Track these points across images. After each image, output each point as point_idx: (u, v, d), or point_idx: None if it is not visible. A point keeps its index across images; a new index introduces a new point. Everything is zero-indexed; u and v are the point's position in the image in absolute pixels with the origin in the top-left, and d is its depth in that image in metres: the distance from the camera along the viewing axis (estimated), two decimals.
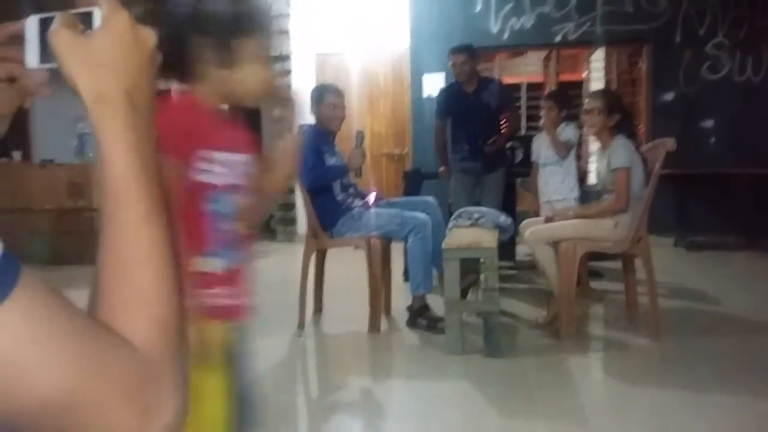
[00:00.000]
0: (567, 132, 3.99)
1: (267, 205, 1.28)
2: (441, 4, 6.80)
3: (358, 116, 6.83)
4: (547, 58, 7.11)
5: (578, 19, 6.59)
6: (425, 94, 6.82)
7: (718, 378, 2.64)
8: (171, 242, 0.50)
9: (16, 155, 6.74)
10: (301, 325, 3.42)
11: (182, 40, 1.09)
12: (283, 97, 1.36)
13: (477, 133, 4.50)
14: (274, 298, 4.51)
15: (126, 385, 0.43)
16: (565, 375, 2.76)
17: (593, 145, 6.75)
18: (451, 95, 4.70)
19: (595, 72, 7.01)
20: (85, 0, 0.51)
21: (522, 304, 3.85)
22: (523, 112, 6.77)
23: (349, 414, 2.46)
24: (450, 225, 3.57)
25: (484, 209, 3.71)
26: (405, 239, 3.42)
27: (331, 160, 3.51)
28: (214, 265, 1.18)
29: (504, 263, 4.04)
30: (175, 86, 1.20)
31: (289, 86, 6.84)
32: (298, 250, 3.66)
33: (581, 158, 6.98)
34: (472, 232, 3.31)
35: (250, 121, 1.30)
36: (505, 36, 6.72)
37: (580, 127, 4.17)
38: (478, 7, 6.74)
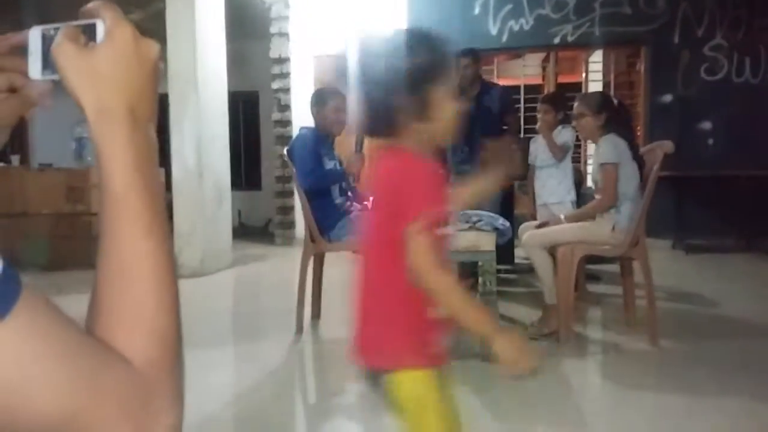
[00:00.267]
0: (563, 135, 3.99)
1: None
2: (440, 7, 6.80)
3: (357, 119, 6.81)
4: (545, 60, 7.12)
5: (576, 20, 6.60)
6: None
7: (716, 381, 2.63)
8: (170, 256, 0.50)
9: (15, 160, 6.74)
10: (299, 330, 3.41)
11: (389, 101, 1.15)
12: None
13: (476, 137, 4.50)
14: (272, 303, 4.52)
15: (123, 401, 0.43)
16: (563, 379, 2.75)
17: (592, 148, 6.75)
18: None
19: (594, 74, 7.01)
20: (89, 12, 0.51)
21: (520, 308, 3.85)
22: (521, 114, 6.76)
23: (348, 419, 2.45)
24: None
25: (482, 212, 3.70)
26: None
27: (329, 164, 3.50)
28: (439, 311, 1.22)
29: (502, 266, 4.03)
30: (383, 144, 1.25)
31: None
32: (297, 254, 3.66)
33: (580, 161, 6.98)
34: (470, 236, 3.30)
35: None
36: (504, 38, 6.73)
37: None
38: (477, 10, 6.75)
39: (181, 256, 5.29)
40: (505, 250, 4.07)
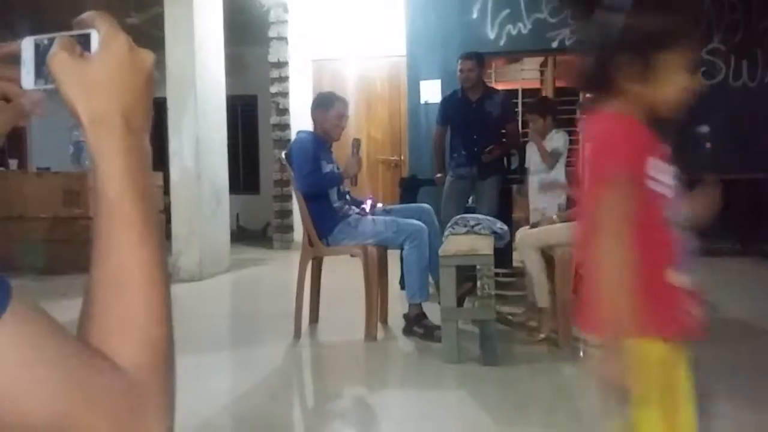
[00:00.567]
0: (555, 141, 3.94)
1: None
2: (438, 11, 6.81)
3: (354, 123, 6.83)
4: (543, 64, 7.13)
5: (574, 25, 6.61)
6: (422, 101, 6.83)
7: (713, 384, 2.63)
8: (163, 265, 0.50)
9: (13, 164, 6.74)
10: (297, 334, 3.40)
11: (607, 58, 1.13)
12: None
13: (476, 141, 4.51)
14: (270, 307, 4.51)
15: (114, 408, 0.43)
16: (561, 382, 2.75)
17: None
18: (454, 102, 4.72)
19: None
20: (83, 22, 0.51)
21: (519, 312, 3.84)
22: (520, 118, 6.77)
23: (346, 423, 2.45)
24: (446, 232, 3.57)
25: (480, 216, 3.71)
26: (401, 247, 3.42)
27: (327, 168, 3.50)
28: (681, 278, 1.17)
29: (500, 270, 4.03)
30: (594, 103, 1.22)
31: None
32: (295, 258, 3.66)
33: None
34: (469, 239, 3.31)
35: (661, 131, 1.30)
36: (502, 42, 6.73)
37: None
38: (475, 14, 6.76)
39: (179, 259, 5.28)
40: (503, 254, 4.07)
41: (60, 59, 0.49)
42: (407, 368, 3.08)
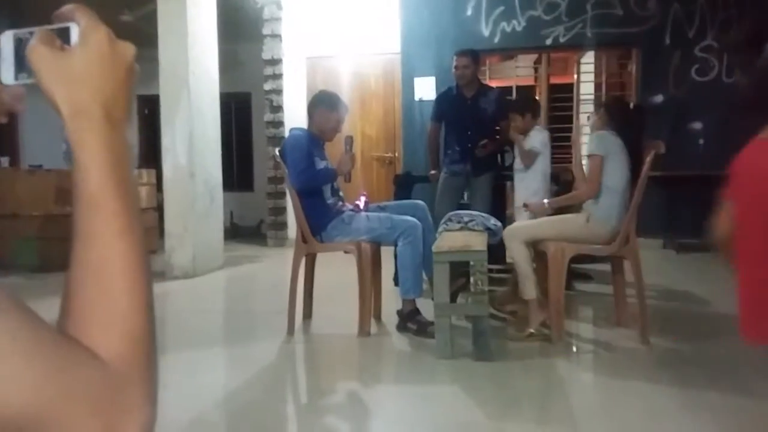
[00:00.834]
0: (532, 139, 3.90)
1: None
2: (432, 8, 6.81)
3: (349, 120, 6.81)
4: (537, 61, 7.14)
5: (568, 22, 6.62)
6: (416, 98, 6.84)
7: (707, 379, 2.64)
8: (144, 257, 0.50)
9: (4, 161, 6.71)
10: (290, 330, 3.40)
11: None
12: None
13: (470, 137, 4.52)
14: (263, 304, 4.51)
15: (92, 399, 0.43)
16: (555, 378, 2.76)
17: (585, 149, 6.77)
18: (449, 98, 4.72)
19: (585, 74, 7.04)
20: (63, 15, 0.51)
21: (506, 299, 3.85)
22: None
23: (339, 418, 2.44)
24: (440, 228, 3.57)
25: (474, 212, 3.71)
26: (395, 243, 3.42)
27: (321, 164, 3.50)
28: None
29: (494, 266, 4.03)
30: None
31: None
32: (289, 255, 3.65)
33: (572, 162, 7.00)
34: (462, 236, 3.31)
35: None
36: (496, 39, 6.74)
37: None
38: (469, 11, 6.76)
39: (173, 256, 5.27)
40: (496, 250, 4.07)
41: (39, 52, 0.49)
42: (400, 364, 3.08)
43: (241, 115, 9.01)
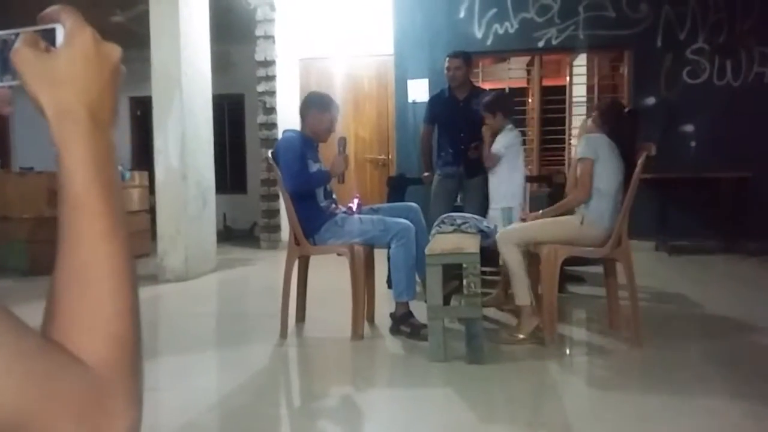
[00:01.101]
0: (498, 141, 3.88)
1: None
2: (425, 10, 6.82)
3: (342, 122, 6.81)
4: (530, 64, 7.16)
5: (561, 24, 6.64)
6: (410, 100, 6.84)
7: (700, 381, 2.65)
8: (130, 259, 0.50)
9: None
10: (283, 333, 3.39)
11: None
12: None
13: (463, 139, 4.52)
14: (256, 307, 4.49)
15: (77, 403, 0.43)
16: (547, 381, 2.76)
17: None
18: (441, 100, 4.73)
19: (578, 77, 7.06)
20: (48, 17, 0.51)
21: (505, 310, 3.86)
22: None
23: (332, 422, 2.43)
24: (433, 231, 3.57)
25: (467, 215, 3.71)
26: (388, 245, 3.41)
27: (314, 167, 3.49)
28: None
29: (487, 269, 4.03)
30: None
31: None
32: (282, 257, 3.64)
33: (565, 164, 7.01)
34: (455, 238, 3.31)
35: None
36: (489, 41, 6.76)
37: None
38: (462, 13, 6.78)
39: (165, 259, 5.24)
40: (489, 253, 4.08)
41: (23, 54, 0.49)
42: (393, 367, 3.07)
43: (234, 116, 8.99)
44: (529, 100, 7.23)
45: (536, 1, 6.66)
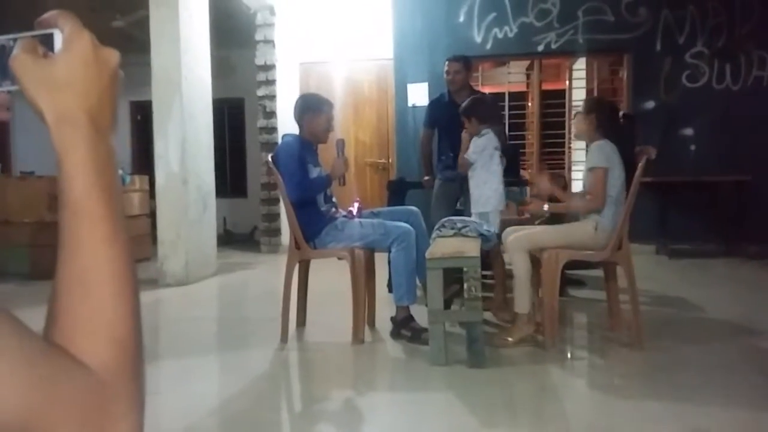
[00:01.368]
0: (469, 148, 3.85)
1: None
2: (425, 14, 6.83)
3: (342, 126, 6.83)
4: (529, 68, 7.17)
5: (560, 28, 6.66)
6: (410, 104, 6.85)
7: (701, 384, 2.65)
8: (131, 263, 0.50)
9: None
10: (284, 337, 3.38)
11: None
12: None
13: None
14: (257, 311, 4.49)
15: (80, 407, 0.43)
16: (548, 384, 2.75)
17: (577, 154, 6.80)
18: (441, 104, 4.74)
19: (577, 81, 7.07)
20: (46, 22, 0.51)
21: (505, 314, 3.85)
22: (506, 121, 6.80)
23: (333, 426, 2.43)
24: (433, 234, 3.57)
25: (468, 219, 3.71)
26: (388, 249, 3.41)
27: (314, 172, 3.49)
28: None
29: (487, 272, 4.03)
30: None
31: None
32: (282, 261, 3.64)
33: (564, 167, 7.02)
34: (456, 242, 3.31)
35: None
36: (488, 46, 6.77)
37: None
38: (462, 18, 6.79)
39: (165, 263, 5.24)
40: (490, 256, 4.08)
41: (21, 60, 0.49)
42: (394, 371, 3.07)
43: (234, 120, 9.00)
44: (529, 104, 7.24)
45: (535, 6, 6.67)
